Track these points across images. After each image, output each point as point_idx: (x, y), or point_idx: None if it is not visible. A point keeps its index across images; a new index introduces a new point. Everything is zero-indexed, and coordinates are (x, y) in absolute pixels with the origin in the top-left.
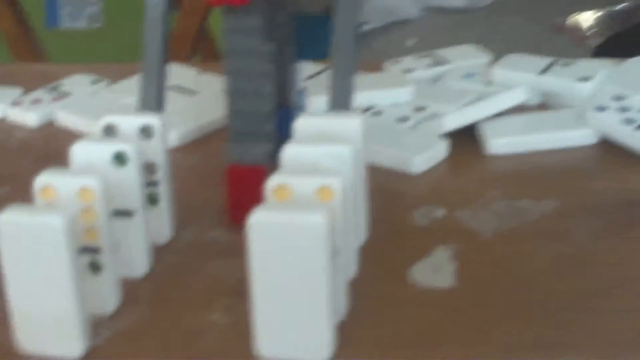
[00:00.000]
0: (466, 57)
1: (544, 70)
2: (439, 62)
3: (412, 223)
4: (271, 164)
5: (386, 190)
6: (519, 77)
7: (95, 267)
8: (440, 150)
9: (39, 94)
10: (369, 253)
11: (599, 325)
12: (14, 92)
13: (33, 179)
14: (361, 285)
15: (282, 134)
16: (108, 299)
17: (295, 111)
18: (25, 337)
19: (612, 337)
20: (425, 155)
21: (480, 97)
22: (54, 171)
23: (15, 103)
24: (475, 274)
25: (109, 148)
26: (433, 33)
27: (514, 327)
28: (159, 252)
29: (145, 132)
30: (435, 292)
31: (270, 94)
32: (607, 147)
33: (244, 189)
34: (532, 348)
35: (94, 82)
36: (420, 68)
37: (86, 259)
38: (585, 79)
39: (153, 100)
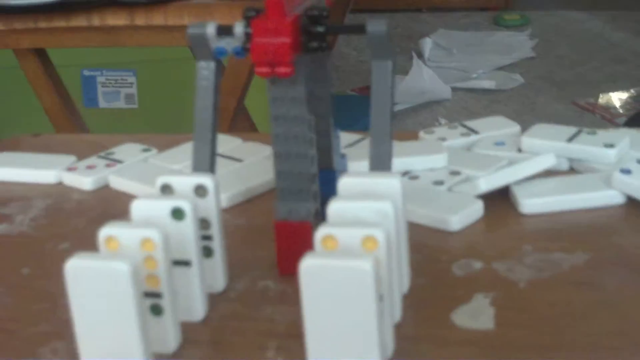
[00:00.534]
0: (496, 127)
1: (571, 139)
2: (470, 132)
3: (451, 274)
4: (316, 221)
5: (426, 246)
6: (547, 145)
7: (157, 310)
8: (476, 210)
9: (92, 160)
10: (412, 300)
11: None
12: (68, 159)
13: (90, 236)
14: (405, 329)
15: (326, 195)
16: (169, 339)
17: (338, 174)
18: None
19: None
20: (462, 214)
21: (511, 163)
22: (117, 224)
23: (71, 168)
24: (512, 318)
25: (168, 204)
26: (463, 113)
27: None
28: (214, 301)
29: (200, 190)
30: (475, 334)
31: (313, 157)
32: (633, 207)
33: (290, 243)
34: None
35: (144, 151)
36: (453, 137)
37: (148, 302)
38: (610, 145)
39: (206, 163)
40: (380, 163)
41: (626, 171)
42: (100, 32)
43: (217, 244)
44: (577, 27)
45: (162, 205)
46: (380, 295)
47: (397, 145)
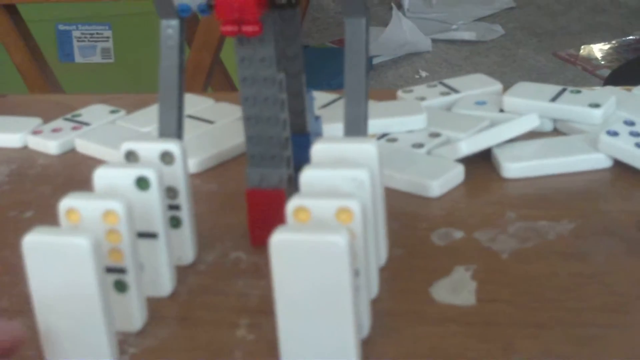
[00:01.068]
0: (477, 86)
1: (555, 98)
2: (450, 91)
3: (430, 244)
4: (289, 188)
5: (404, 214)
6: (530, 105)
7: (121, 286)
8: (457, 175)
9: (58, 123)
10: (389, 273)
11: (615, 339)
12: (34, 121)
13: (55, 204)
14: (382, 304)
15: (300, 160)
16: (134, 316)
17: (312, 138)
18: (52, 353)
19: (628, 350)
20: (442, 179)
21: (493, 124)
22: (78, 195)
23: (36, 132)
24: (494, 292)
25: (132, 173)
26: (443, 65)
27: (532, 343)
28: (183, 274)
29: (166, 158)
30: (455, 310)
31: (285, 120)
32: (620, 171)
33: (263, 212)
34: None
35: (111, 112)
36: (432, 96)
37: (112, 278)
38: (596, 105)
39: (172, 128)
40: (356, 127)
41: (613, 133)
42: None
43: (185, 214)
44: None
45: (126, 173)
46: (355, 270)
47: (373, 106)
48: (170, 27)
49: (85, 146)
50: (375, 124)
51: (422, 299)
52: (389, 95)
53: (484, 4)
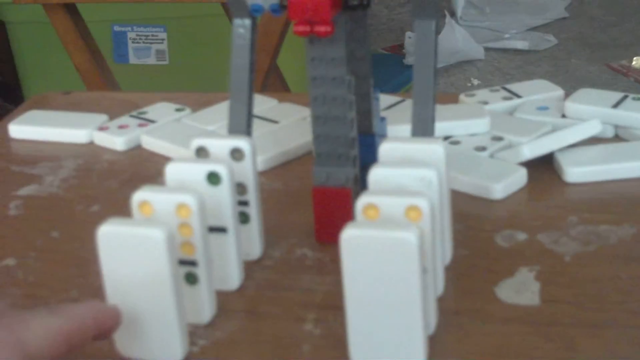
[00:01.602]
0: (539, 91)
1: (617, 105)
2: (512, 96)
3: (494, 245)
4: (355, 187)
5: (468, 215)
6: (592, 111)
7: (192, 279)
8: (519, 178)
9: (124, 120)
10: (454, 272)
11: None
12: (100, 117)
13: (121, 199)
14: (447, 303)
15: (365, 160)
16: (204, 309)
17: (378, 138)
18: (124, 342)
19: None
20: (506, 182)
21: (554, 129)
22: (151, 188)
23: (102, 128)
24: (557, 293)
25: (203, 168)
26: (495, 73)
27: (594, 343)
28: (250, 269)
29: (236, 154)
30: (519, 309)
31: (353, 120)
32: None
33: (328, 210)
34: None
35: (177, 110)
36: (494, 101)
37: (183, 270)
38: None
39: (242, 125)
40: (423, 128)
41: None
42: None
43: (253, 210)
44: None
45: (198, 169)
46: (424, 267)
47: (437, 108)
48: (242, 27)
49: (151, 143)
50: (438, 127)
51: (487, 299)
52: (451, 99)
53: (537, 14)
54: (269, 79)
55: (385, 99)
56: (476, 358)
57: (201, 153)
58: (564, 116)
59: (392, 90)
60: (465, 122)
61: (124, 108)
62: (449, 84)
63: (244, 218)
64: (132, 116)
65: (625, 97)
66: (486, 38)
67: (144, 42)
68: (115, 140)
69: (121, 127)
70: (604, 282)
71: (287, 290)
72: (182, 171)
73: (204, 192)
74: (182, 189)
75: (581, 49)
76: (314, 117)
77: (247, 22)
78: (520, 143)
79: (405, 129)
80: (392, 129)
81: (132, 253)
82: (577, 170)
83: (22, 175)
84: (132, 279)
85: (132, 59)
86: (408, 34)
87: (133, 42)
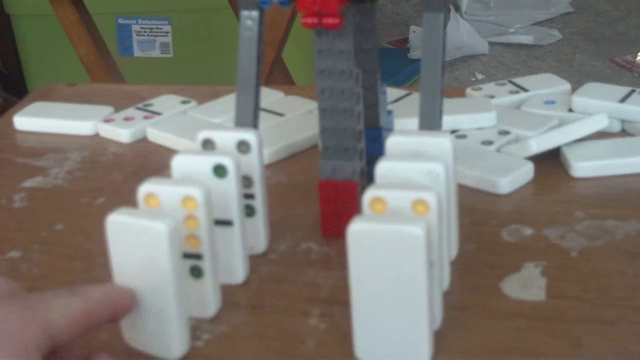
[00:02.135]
0: (546, 85)
1: (624, 99)
2: (519, 90)
3: (500, 240)
4: (361, 181)
5: (474, 209)
6: (599, 105)
7: (197, 272)
8: (526, 172)
9: (130, 112)
10: (460, 267)
11: None
12: (105, 110)
13: (127, 191)
14: (453, 298)
15: (372, 153)
16: (209, 303)
17: (384, 131)
18: (129, 331)
19: None
20: (512, 176)
21: (561, 123)
22: (158, 180)
23: (107, 120)
24: (564, 289)
25: (210, 160)
26: (499, 68)
27: (600, 339)
28: (254, 262)
29: (242, 147)
30: (525, 305)
31: (359, 113)
32: None
33: (335, 203)
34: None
35: (183, 103)
36: (501, 95)
37: (188, 264)
38: None
39: (249, 118)
40: (431, 121)
41: None
42: None
43: (259, 203)
44: None
45: (204, 161)
46: (430, 262)
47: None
48: (250, 19)
49: (157, 135)
50: (445, 120)
51: (492, 294)
52: (457, 92)
53: (542, 8)
54: (274, 72)
55: (392, 93)
56: (481, 354)
57: (207, 145)
58: (570, 110)
59: (397, 84)
60: (472, 116)
61: (129, 100)
62: (454, 78)
63: (249, 211)
64: (137, 108)
65: (632, 91)
66: (491, 32)
67: (148, 35)
68: (120, 132)
69: (127, 119)
70: (610, 278)
71: (292, 284)
72: (189, 163)
73: (210, 185)
74: (188, 182)
75: (586, 43)
76: (321, 109)
77: (255, 14)
78: (527, 137)
79: (412, 122)
80: (398, 122)
81: (137, 243)
82: (584, 165)
83: (27, 167)
84: (137, 268)
85: (137, 52)
86: (412, 28)
87: (137, 35)
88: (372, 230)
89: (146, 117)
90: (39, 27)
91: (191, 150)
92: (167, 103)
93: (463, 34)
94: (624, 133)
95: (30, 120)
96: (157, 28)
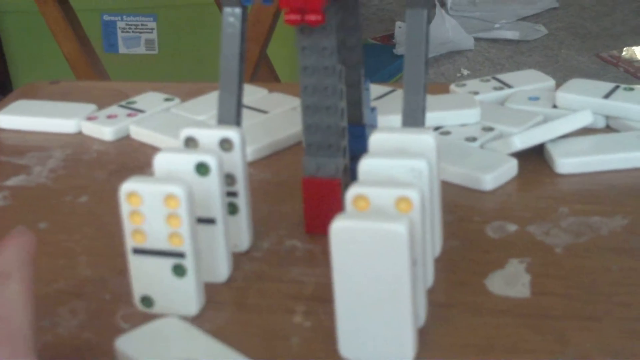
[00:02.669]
0: (530, 81)
1: (608, 95)
2: (503, 86)
3: (485, 237)
4: (345, 178)
5: (457, 206)
6: (583, 101)
7: (180, 271)
8: (510, 169)
9: (113, 109)
10: (444, 264)
11: None
12: (88, 107)
13: (110, 189)
14: (437, 295)
15: (355, 151)
16: (192, 301)
17: (368, 128)
18: None
19: None
20: (496, 173)
21: (546, 119)
22: (139, 179)
23: (90, 118)
24: (548, 286)
25: (192, 158)
26: (485, 64)
27: (586, 336)
28: (238, 260)
29: (225, 144)
30: (510, 302)
31: (343, 110)
32: None
33: (318, 201)
34: (604, 356)
35: (166, 100)
36: (485, 91)
37: (170, 262)
38: None
39: (232, 115)
40: (414, 118)
41: None
42: None
43: (242, 201)
44: None
45: (186, 159)
46: (414, 259)
47: (428, 99)
48: (232, 15)
49: (140, 133)
50: (428, 117)
51: (477, 291)
52: (441, 89)
53: (528, 4)
54: (259, 69)
55: (375, 89)
56: (466, 351)
57: (190, 143)
58: (555, 106)
59: (382, 81)
60: (455, 112)
61: (112, 98)
62: (439, 74)
63: (232, 209)
64: (121, 106)
65: (617, 87)
66: (476, 28)
67: (133, 32)
68: (103, 130)
69: (110, 117)
70: (595, 274)
71: (276, 282)
72: (171, 161)
73: (193, 183)
74: (170, 180)
75: (571, 39)
76: (304, 107)
77: (238, 11)
78: (511, 133)
79: (396, 119)
80: (382, 119)
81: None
82: (568, 161)
83: (10, 165)
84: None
85: (122, 49)
86: (398, 23)
87: (123, 32)
88: (354, 228)
89: (129, 115)
90: (24, 24)
91: (173, 148)
92: (151, 100)
93: (448, 29)
94: (608, 129)
95: (12, 118)
96: (142, 25)
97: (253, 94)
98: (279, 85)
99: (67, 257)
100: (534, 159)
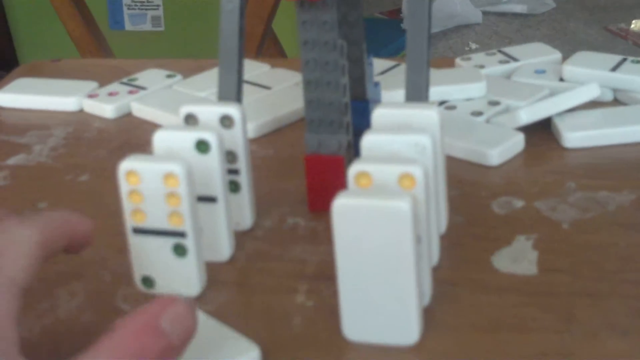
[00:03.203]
0: (536, 55)
1: (615, 68)
2: (509, 59)
3: (491, 213)
4: (348, 154)
5: (463, 182)
6: (590, 74)
7: (180, 251)
8: (517, 143)
9: (114, 87)
10: (450, 241)
11: None
12: (89, 85)
13: (111, 167)
14: (442, 272)
15: (358, 126)
16: (193, 281)
17: (371, 104)
18: None
19: None
20: (502, 147)
21: (552, 93)
22: (138, 157)
23: (92, 95)
24: (555, 262)
25: (192, 136)
26: (493, 37)
27: (592, 313)
28: (240, 239)
29: (226, 121)
30: (516, 279)
31: (345, 86)
32: None
33: (321, 178)
34: (611, 334)
35: (168, 77)
36: (491, 65)
37: (171, 242)
38: None
39: (232, 92)
40: (417, 93)
41: None
42: None
43: (244, 179)
44: None
45: (186, 136)
46: (418, 236)
47: (432, 73)
48: None
49: (142, 110)
50: (434, 91)
51: (483, 268)
52: (447, 63)
53: None
54: (264, 44)
55: (379, 64)
56: (472, 329)
57: (190, 120)
58: (561, 80)
59: (390, 55)
60: (461, 86)
61: (114, 75)
62: (447, 47)
63: (234, 187)
64: (122, 83)
65: (624, 59)
66: (484, 2)
67: (139, 9)
68: (105, 107)
69: (111, 94)
70: (602, 250)
71: (278, 260)
72: (170, 139)
73: (193, 161)
74: (170, 158)
75: (580, 12)
76: (306, 82)
77: None
78: (517, 107)
79: (400, 93)
80: (386, 94)
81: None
82: (576, 135)
83: (10, 144)
84: None
85: (128, 26)
86: None
87: (128, 9)
88: (357, 205)
89: (131, 92)
90: (31, 2)
91: (173, 126)
92: (152, 77)
93: (457, 3)
94: (615, 102)
95: (13, 96)
96: (148, 1)
97: (255, 69)
98: (282, 60)
99: None
100: (541, 133)
